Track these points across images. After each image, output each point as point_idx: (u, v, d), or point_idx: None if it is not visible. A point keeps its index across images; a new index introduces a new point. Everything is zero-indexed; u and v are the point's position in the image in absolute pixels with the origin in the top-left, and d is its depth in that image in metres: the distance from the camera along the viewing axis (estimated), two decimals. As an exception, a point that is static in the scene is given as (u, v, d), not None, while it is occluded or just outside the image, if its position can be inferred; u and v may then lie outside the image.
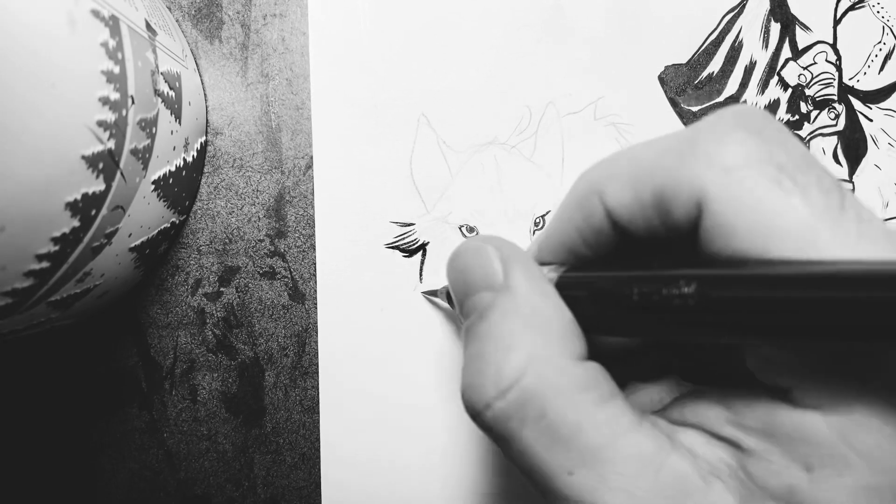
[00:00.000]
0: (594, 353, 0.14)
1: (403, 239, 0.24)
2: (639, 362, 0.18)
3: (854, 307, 0.09)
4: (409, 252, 0.24)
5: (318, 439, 0.25)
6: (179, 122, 0.21)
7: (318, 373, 0.24)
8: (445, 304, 0.23)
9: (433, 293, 0.24)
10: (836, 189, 0.11)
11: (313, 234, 0.24)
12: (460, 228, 0.24)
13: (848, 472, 0.11)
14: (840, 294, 0.09)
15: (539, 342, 0.13)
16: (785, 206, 0.11)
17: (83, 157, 0.15)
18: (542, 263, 0.16)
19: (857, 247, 0.10)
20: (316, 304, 0.24)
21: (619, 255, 0.15)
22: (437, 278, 0.24)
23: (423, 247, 0.24)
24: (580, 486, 0.12)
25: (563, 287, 0.14)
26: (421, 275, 0.24)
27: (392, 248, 0.24)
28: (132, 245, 0.20)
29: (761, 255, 0.11)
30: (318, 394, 0.24)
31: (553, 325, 0.13)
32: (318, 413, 0.24)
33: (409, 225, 0.24)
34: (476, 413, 0.14)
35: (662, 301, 0.12)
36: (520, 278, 0.14)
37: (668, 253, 0.14)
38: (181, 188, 0.22)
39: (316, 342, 0.24)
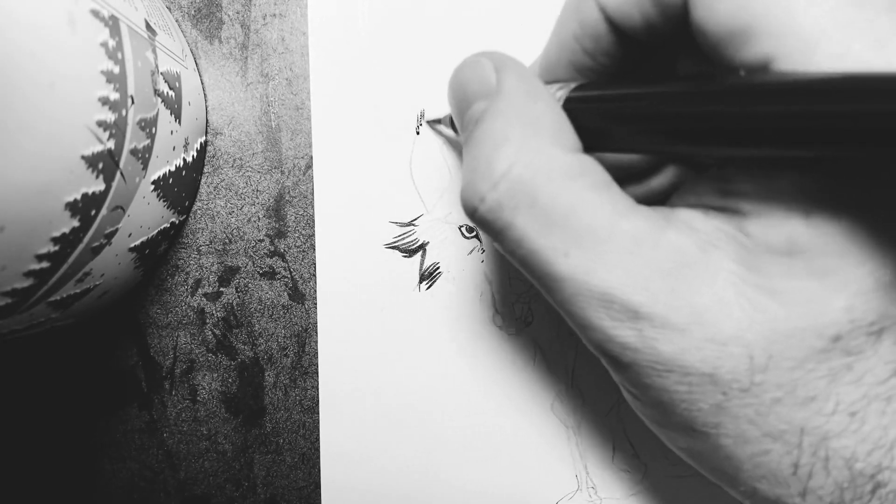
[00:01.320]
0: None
1: (403, 239, 0.24)
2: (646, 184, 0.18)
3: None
4: (409, 252, 0.24)
5: (318, 439, 0.25)
6: (179, 122, 0.21)
7: (318, 373, 0.24)
8: (449, 132, 0.23)
9: (437, 121, 0.23)
10: None
11: (313, 234, 0.24)
12: (460, 228, 0.24)
13: (844, 215, 0.11)
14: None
15: (529, 135, 0.13)
16: None
17: (83, 157, 0.15)
18: (550, 83, 0.16)
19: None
20: (316, 304, 0.24)
21: (627, 68, 0.15)
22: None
23: (422, 247, 0.24)
24: (576, 266, 0.12)
25: (571, 103, 0.14)
26: (421, 275, 0.24)
27: (392, 248, 0.24)
28: (132, 245, 0.20)
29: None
30: (318, 394, 0.24)
31: (544, 121, 0.13)
32: (318, 413, 0.24)
33: (409, 225, 0.24)
34: (473, 210, 0.14)
35: (664, 108, 0.12)
36: (511, 81, 0.14)
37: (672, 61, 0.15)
38: (181, 188, 0.22)
39: (316, 342, 0.24)
